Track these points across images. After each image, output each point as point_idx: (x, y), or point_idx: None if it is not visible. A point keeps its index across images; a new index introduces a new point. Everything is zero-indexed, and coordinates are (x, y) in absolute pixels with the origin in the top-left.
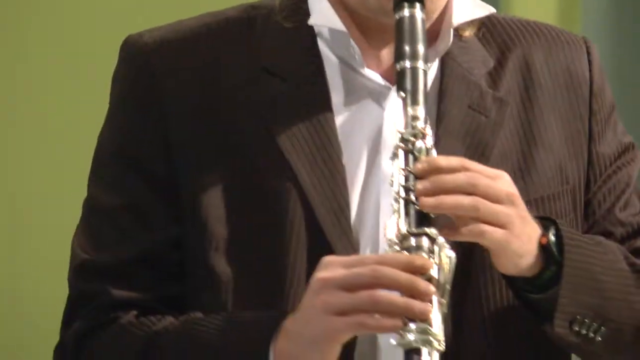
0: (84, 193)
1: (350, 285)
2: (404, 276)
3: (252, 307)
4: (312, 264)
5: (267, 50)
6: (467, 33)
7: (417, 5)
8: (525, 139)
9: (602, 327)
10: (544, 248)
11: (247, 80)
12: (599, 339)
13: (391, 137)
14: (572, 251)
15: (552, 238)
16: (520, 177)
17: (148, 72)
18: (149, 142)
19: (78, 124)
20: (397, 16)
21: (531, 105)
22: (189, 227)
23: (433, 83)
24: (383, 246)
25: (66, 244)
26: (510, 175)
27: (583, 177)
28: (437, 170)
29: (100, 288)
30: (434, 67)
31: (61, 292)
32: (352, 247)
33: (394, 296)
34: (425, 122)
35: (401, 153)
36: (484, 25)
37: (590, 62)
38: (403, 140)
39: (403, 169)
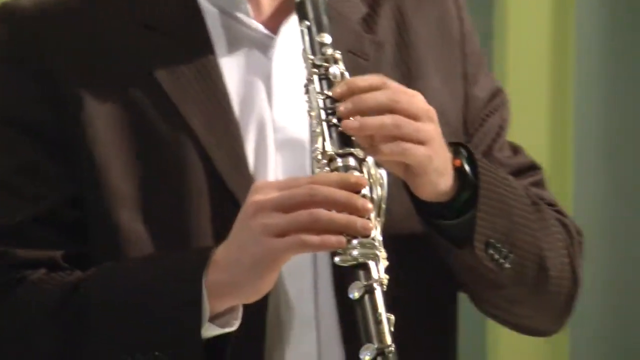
0: None
1: (287, 206)
2: (341, 193)
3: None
4: (215, 215)
5: (144, 5)
6: None
7: None
8: (404, 82)
9: (511, 254)
10: (458, 170)
11: (128, 36)
12: (508, 265)
13: (280, 88)
14: (486, 174)
15: (464, 161)
16: None
17: (28, 33)
18: (33, 101)
19: None
20: None
21: (407, 50)
22: (86, 184)
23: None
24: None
25: None
26: None
27: (461, 119)
28: (358, 90)
29: (2, 249)
30: None
31: None
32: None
33: (335, 213)
34: (334, 48)
35: (316, 79)
36: None
37: (458, 8)
38: (315, 66)
39: (320, 93)
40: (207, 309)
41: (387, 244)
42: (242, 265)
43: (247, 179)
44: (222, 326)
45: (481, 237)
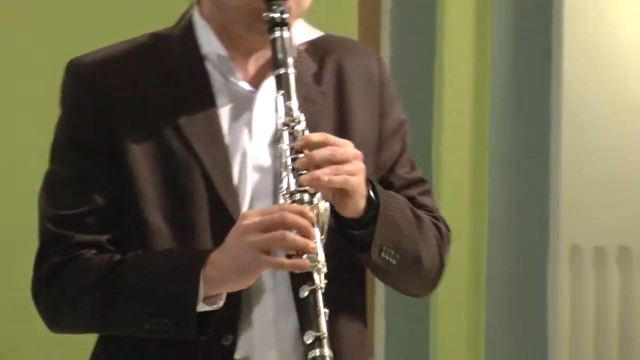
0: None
1: (265, 227)
2: (302, 220)
3: (170, 246)
4: (211, 216)
5: (172, 69)
6: (301, 47)
7: (285, 28)
8: (340, 118)
9: (397, 255)
10: (367, 197)
11: (160, 87)
12: (394, 262)
13: (259, 131)
14: (384, 201)
15: (371, 190)
16: None
17: (88, 82)
18: (91, 131)
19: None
20: (271, 36)
21: (343, 96)
22: (125, 191)
23: None
24: (261, 206)
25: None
26: None
27: (375, 145)
28: (311, 145)
29: (65, 234)
30: None
31: None
32: (237, 203)
33: (296, 236)
34: (299, 112)
35: (285, 134)
36: (310, 41)
37: (380, 63)
38: (285, 125)
39: (289, 146)
40: (201, 293)
41: (325, 247)
42: (232, 268)
43: (232, 191)
44: (210, 304)
45: (376, 245)
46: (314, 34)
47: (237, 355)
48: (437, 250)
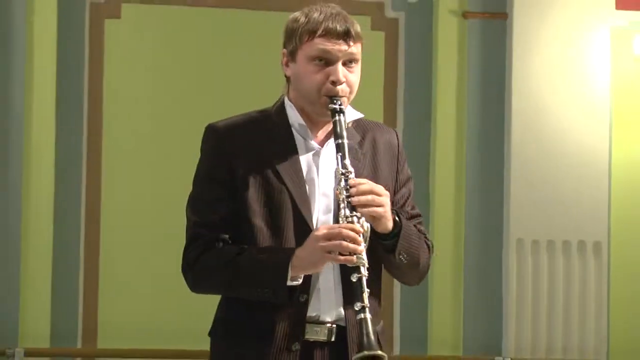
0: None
1: (331, 237)
2: (353, 235)
3: (269, 244)
4: (295, 224)
5: (270, 131)
6: (350, 124)
7: (342, 114)
8: (373, 171)
9: (407, 257)
10: (394, 220)
11: (263, 144)
12: (405, 262)
13: (323, 172)
14: (404, 224)
15: (396, 216)
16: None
17: (220, 140)
18: (223, 169)
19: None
20: (334, 119)
21: (375, 157)
22: (240, 206)
23: None
24: (323, 220)
25: None
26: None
27: (393, 189)
28: (361, 189)
29: (203, 232)
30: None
31: None
32: (310, 215)
33: (348, 243)
34: (350, 166)
35: (343, 179)
36: (355, 121)
37: (397, 139)
38: (342, 174)
39: (344, 187)
40: (289, 274)
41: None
42: (308, 261)
43: (307, 207)
44: (293, 281)
45: (398, 251)
46: (356, 115)
47: (309, 312)
48: (427, 257)
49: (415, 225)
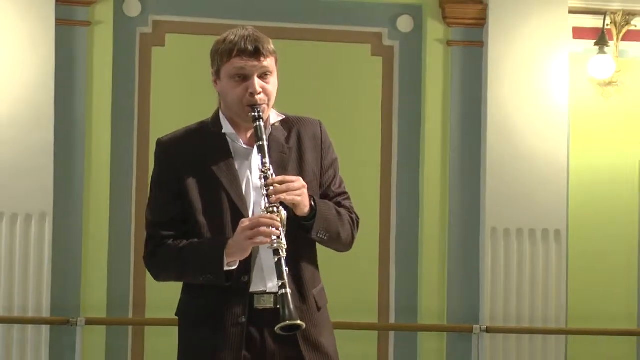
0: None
1: (252, 226)
2: (270, 221)
3: (210, 234)
4: (233, 220)
5: (208, 140)
6: (276, 124)
7: (261, 120)
8: (299, 161)
9: (327, 234)
10: (310, 205)
11: (202, 151)
12: (325, 238)
13: (255, 170)
14: (319, 206)
15: (312, 201)
16: (299, 175)
17: (166, 152)
18: (169, 178)
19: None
20: (254, 125)
21: (300, 149)
22: (187, 207)
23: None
24: (257, 211)
25: None
26: (296, 175)
27: (319, 173)
28: (277, 181)
29: (157, 230)
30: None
31: None
32: (245, 208)
33: (266, 229)
34: (270, 164)
35: (262, 176)
36: (282, 120)
37: (320, 129)
38: (262, 171)
39: (265, 184)
40: (225, 260)
41: (286, 235)
42: (239, 248)
43: (242, 201)
44: (229, 266)
45: (315, 230)
46: (280, 116)
47: (256, 288)
48: (350, 230)
49: (340, 202)
